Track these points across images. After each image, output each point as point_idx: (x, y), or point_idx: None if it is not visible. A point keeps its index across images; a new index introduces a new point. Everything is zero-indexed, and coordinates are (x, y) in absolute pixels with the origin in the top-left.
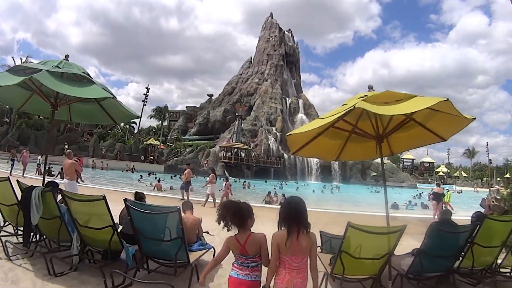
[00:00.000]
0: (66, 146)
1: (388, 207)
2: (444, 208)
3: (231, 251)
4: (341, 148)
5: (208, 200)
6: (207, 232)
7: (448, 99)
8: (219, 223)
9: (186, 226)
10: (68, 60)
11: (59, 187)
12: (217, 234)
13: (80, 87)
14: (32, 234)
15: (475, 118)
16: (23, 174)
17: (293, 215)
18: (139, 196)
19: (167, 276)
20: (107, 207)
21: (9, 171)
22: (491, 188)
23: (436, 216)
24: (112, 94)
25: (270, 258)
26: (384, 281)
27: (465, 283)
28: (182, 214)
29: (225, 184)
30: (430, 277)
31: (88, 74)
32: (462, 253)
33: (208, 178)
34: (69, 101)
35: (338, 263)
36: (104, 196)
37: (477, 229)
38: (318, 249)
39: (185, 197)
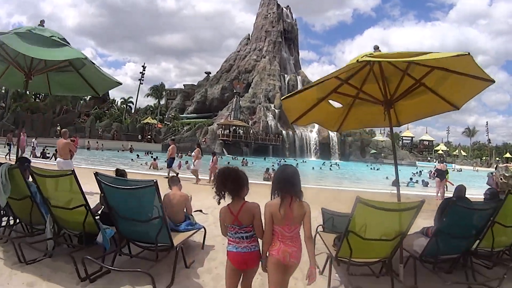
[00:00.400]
0: (58, 128)
1: (398, 181)
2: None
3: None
4: (344, 115)
5: (201, 177)
6: (200, 211)
7: (469, 53)
8: (216, 191)
9: (172, 204)
10: (43, 26)
11: (30, 163)
12: (211, 212)
13: (49, 50)
14: (2, 217)
15: (494, 81)
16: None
17: (286, 183)
18: (120, 173)
19: (150, 262)
20: (77, 184)
21: (5, 156)
22: (499, 165)
23: (439, 194)
24: (85, 56)
25: (264, 228)
26: (395, 265)
27: (480, 266)
28: (169, 191)
29: (212, 159)
30: (445, 260)
31: (63, 39)
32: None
33: (193, 153)
34: (44, 69)
35: (345, 245)
36: (73, 171)
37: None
38: (320, 228)
39: (171, 174)
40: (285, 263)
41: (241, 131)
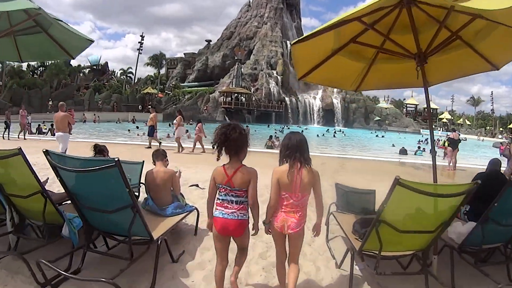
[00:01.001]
0: (50, 103)
1: (435, 157)
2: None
3: None
4: (364, 72)
5: (196, 146)
6: (197, 185)
7: None
8: (214, 146)
9: (155, 183)
10: None
11: None
12: (207, 186)
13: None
14: None
15: None
16: (18, 135)
17: (294, 150)
18: (99, 149)
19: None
20: (28, 166)
21: (2, 135)
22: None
23: (451, 164)
24: (38, 7)
25: (270, 195)
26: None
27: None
28: (152, 167)
29: (197, 126)
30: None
31: None
32: None
33: (175, 121)
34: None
35: (373, 238)
36: (20, 150)
37: None
38: (334, 208)
39: (153, 144)
40: (283, 232)
41: (243, 98)
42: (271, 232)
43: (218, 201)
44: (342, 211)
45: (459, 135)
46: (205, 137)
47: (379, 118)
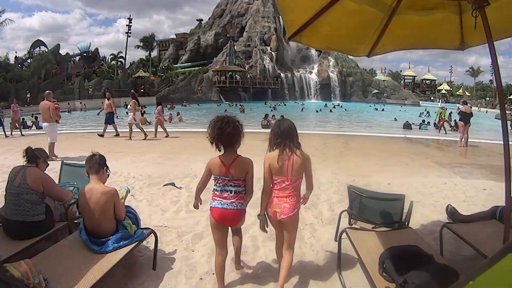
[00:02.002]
0: (28, 95)
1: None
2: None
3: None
4: (380, 29)
5: (158, 130)
6: (173, 184)
7: None
8: (211, 140)
9: (88, 207)
10: None
11: None
12: (186, 186)
13: None
14: None
15: None
16: (12, 132)
17: (284, 136)
18: (31, 155)
19: None
20: None
21: None
22: None
23: (463, 140)
24: None
25: (263, 182)
26: None
27: None
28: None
29: (156, 109)
30: None
31: None
32: None
33: (129, 106)
34: None
35: None
36: None
37: None
38: (346, 219)
39: (110, 130)
40: (275, 219)
41: (238, 76)
42: (267, 228)
43: (216, 192)
44: (357, 220)
45: (471, 108)
46: (165, 120)
47: (377, 91)
